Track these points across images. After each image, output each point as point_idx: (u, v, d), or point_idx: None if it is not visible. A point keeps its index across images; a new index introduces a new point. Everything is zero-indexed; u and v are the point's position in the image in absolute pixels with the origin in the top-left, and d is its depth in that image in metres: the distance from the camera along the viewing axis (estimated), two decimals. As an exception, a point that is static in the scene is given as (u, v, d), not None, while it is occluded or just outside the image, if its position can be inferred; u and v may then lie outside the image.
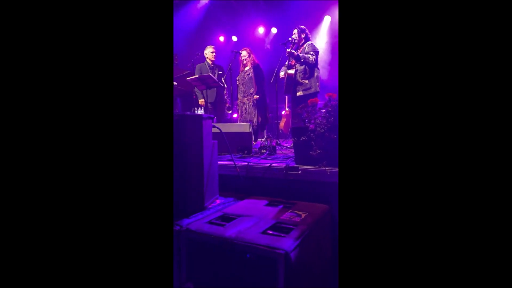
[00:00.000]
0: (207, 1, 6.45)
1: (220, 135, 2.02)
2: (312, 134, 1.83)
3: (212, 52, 4.10)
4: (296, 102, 3.49)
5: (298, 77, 3.37)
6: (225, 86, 3.94)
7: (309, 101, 2.02)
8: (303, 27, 3.48)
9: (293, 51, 3.25)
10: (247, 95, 3.77)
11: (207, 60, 4.10)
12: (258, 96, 3.71)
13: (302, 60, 3.24)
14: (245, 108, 3.78)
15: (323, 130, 1.79)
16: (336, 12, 5.99)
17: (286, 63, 3.46)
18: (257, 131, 3.78)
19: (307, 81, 3.33)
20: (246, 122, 3.70)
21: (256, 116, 3.70)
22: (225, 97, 4.16)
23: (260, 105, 3.74)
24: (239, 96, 3.87)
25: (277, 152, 2.80)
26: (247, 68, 3.83)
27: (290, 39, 3.35)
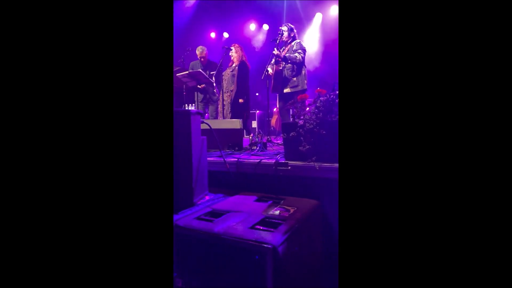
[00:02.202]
0: (197, -2, 6.40)
1: (210, 132, 2.01)
2: (301, 130, 1.84)
3: (202, 53, 4.12)
4: (283, 99, 3.50)
5: (285, 74, 3.38)
6: (211, 81, 3.92)
7: (298, 97, 2.03)
8: (291, 25, 3.49)
9: (278, 52, 3.26)
10: (227, 92, 3.77)
11: (200, 60, 4.13)
12: (242, 100, 3.72)
13: (289, 61, 3.26)
14: (224, 105, 3.78)
15: (312, 126, 1.79)
16: (327, 9, 6.02)
17: (273, 60, 3.46)
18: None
19: (294, 79, 3.34)
20: (222, 118, 3.72)
21: (230, 114, 3.71)
22: (215, 90, 4.13)
23: (242, 106, 3.74)
24: (221, 92, 3.87)
25: (268, 148, 2.80)
26: (233, 65, 3.82)
27: (280, 28, 3.36)
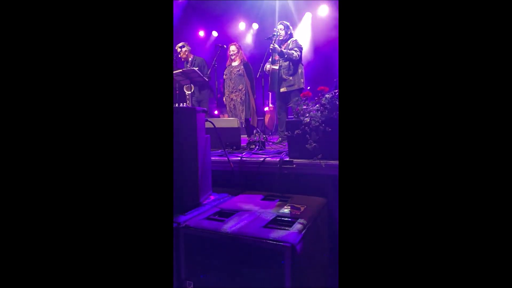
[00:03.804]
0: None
1: (212, 130, 1.97)
2: (307, 128, 1.83)
3: (181, 48, 3.94)
4: (280, 98, 3.49)
5: (282, 73, 3.36)
6: (206, 79, 3.84)
7: (301, 95, 2.02)
8: (287, 23, 3.47)
9: (276, 45, 3.23)
10: (235, 91, 3.70)
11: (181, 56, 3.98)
12: (254, 98, 3.70)
13: (286, 56, 3.24)
14: (234, 105, 3.72)
15: (318, 123, 1.79)
16: (316, 9, 6.07)
17: (270, 58, 3.44)
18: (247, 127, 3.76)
19: (291, 78, 3.33)
20: (232, 117, 3.67)
21: (243, 113, 3.67)
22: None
23: (249, 103, 3.72)
24: (226, 91, 3.79)
25: (266, 147, 2.78)
26: (235, 64, 3.75)
27: (275, 29, 3.34)
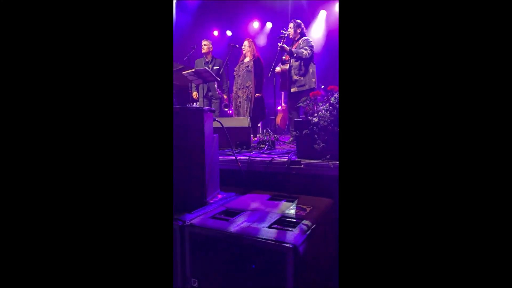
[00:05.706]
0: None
1: (220, 130, 1.98)
2: (315, 128, 1.81)
3: (205, 45, 4.06)
4: (290, 99, 3.45)
5: (292, 73, 3.31)
6: (217, 79, 3.82)
7: (310, 94, 2.00)
8: (299, 21, 3.42)
9: (284, 45, 3.19)
10: (243, 88, 3.59)
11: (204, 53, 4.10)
12: (259, 94, 3.59)
13: (295, 55, 3.18)
14: (240, 102, 3.64)
15: (326, 123, 1.77)
16: (331, 7, 5.99)
17: (282, 57, 3.40)
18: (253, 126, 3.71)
19: (302, 78, 3.27)
20: (241, 116, 3.62)
21: (248, 111, 3.57)
22: (217, 92, 4.07)
23: (259, 101, 3.63)
24: (234, 88, 3.73)
25: (276, 147, 2.77)
26: (246, 60, 3.64)
27: (282, 31, 3.30)
